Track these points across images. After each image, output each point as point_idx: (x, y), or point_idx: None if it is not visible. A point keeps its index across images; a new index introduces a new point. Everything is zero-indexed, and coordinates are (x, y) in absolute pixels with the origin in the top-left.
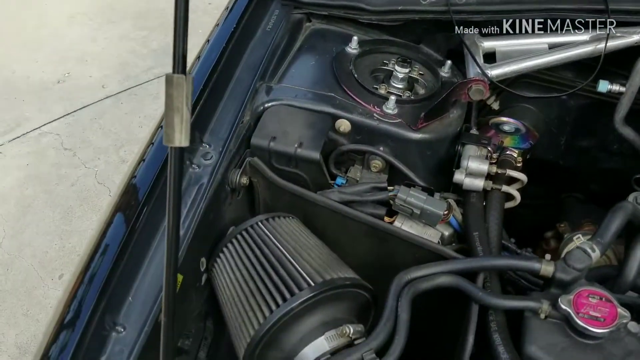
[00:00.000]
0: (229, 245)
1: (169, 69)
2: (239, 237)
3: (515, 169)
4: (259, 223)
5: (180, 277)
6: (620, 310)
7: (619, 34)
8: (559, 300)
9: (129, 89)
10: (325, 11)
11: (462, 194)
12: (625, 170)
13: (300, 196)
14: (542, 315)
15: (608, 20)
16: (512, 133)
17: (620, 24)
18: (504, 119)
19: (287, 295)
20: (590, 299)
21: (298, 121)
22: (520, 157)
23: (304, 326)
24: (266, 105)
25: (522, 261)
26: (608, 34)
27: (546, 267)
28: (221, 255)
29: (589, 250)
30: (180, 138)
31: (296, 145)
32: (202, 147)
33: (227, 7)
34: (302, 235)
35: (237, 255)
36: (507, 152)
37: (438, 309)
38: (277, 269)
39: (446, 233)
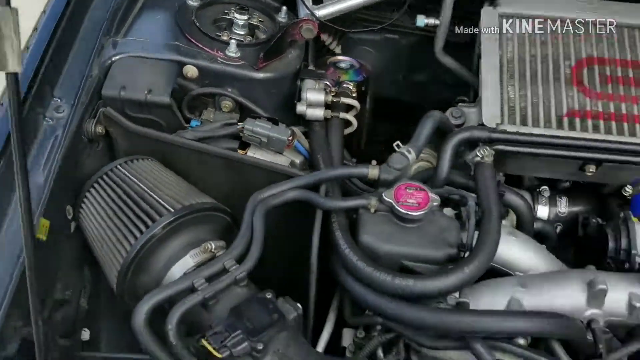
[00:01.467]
0: (92, 190)
1: None
2: (100, 181)
3: (352, 98)
4: (118, 166)
5: (47, 223)
6: (432, 195)
7: None
8: (383, 194)
9: None
10: None
11: (307, 125)
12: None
13: (157, 139)
14: (372, 210)
15: None
16: (347, 69)
17: None
18: (340, 57)
19: (150, 222)
20: (407, 190)
21: (146, 70)
22: (355, 88)
23: (169, 249)
24: (113, 59)
25: (353, 169)
26: None
27: (372, 171)
28: (85, 200)
29: (406, 153)
30: (14, 64)
31: (146, 92)
32: (54, 101)
33: None
34: (161, 173)
35: (100, 198)
36: (344, 85)
37: (292, 219)
38: (138, 202)
39: (297, 160)
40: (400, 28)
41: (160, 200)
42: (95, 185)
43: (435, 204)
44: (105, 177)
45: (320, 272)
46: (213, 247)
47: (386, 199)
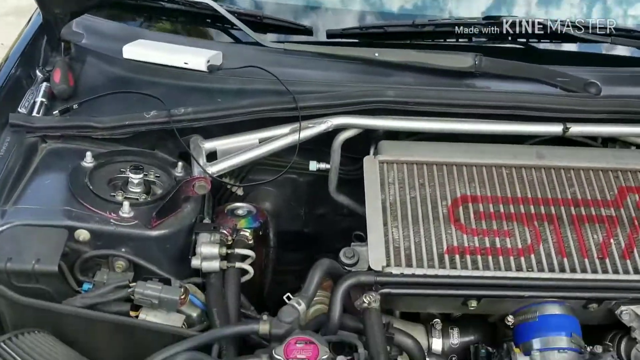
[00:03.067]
0: None
1: None
2: None
3: (248, 246)
4: (2, 344)
5: None
6: (321, 348)
7: (310, 125)
8: (274, 351)
9: None
10: (58, 132)
11: (204, 277)
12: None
13: (45, 309)
14: None
15: (300, 115)
16: (244, 216)
17: (309, 117)
18: (237, 204)
19: None
20: (297, 344)
21: (34, 238)
22: (252, 235)
23: None
24: (0, 229)
25: (243, 326)
26: (300, 126)
27: (263, 327)
28: None
29: (296, 305)
30: None
31: (33, 262)
32: None
33: None
34: (48, 346)
35: None
36: (241, 233)
37: None
38: None
39: (194, 314)
40: (297, 169)
41: None
42: None
43: (325, 356)
44: None
45: None
46: None
47: (276, 356)
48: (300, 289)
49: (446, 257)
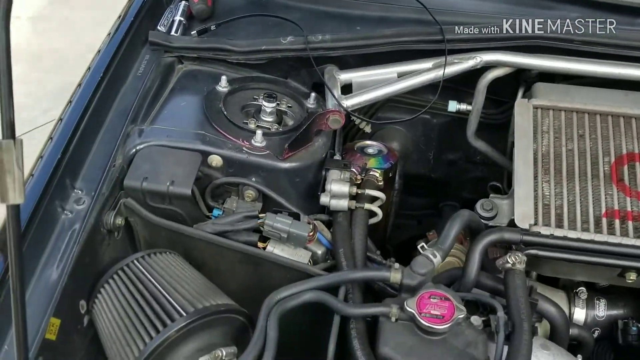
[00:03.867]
0: (106, 285)
1: None
2: (115, 276)
3: (377, 187)
4: (135, 261)
5: (57, 322)
6: (458, 305)
7: (456, 60)
8: (405, 303)
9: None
10: (195, 53)
11: (331, 214)
12: (490, 178)
13: (176, 231)
14: (393, 319)
15: (446, 48)
16: (375, 155)
17: (456, 52)
18: (368, 142)
19: (160, 327)
20: (431, 299)
21: (170, 160)
22: (381, 177)
23: (179, 354)
24: (138, 148)
25: (374, 272)
26: (445, 61)
27: (395, 275)
28: (99, 296)
29: (431, 257)
30: (15, 196)
31: (168, 184)
32: (75, 193)
33: (99, 50)
34: (177, 268)
35: (113, 294)
36: (371, 173)
37: (309, 322)
38: (151, 303)
39: (319, 252)
40: (431, 108)
41: (173, 303)
42: (110, 280)
43: (461, 316)
44: (120, 272)
45: None
46: (224, 354)
47: (408, 308)
48: (422, 236)
49: (604, 220)
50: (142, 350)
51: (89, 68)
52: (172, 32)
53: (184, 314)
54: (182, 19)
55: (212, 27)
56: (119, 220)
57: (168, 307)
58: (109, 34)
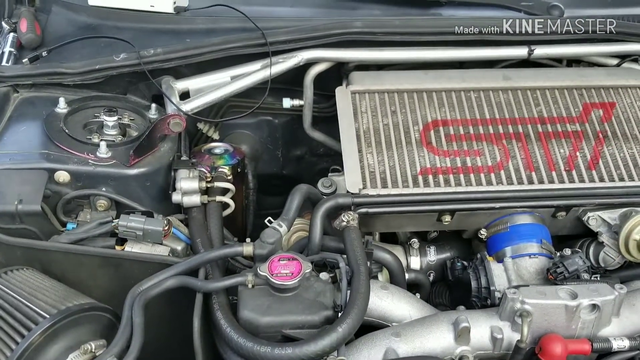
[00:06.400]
0: None
1: None
2: None
3: (227, 181)
4: None
5: None
6: (304, 263)
7: (280, 60)
8: (258, 269)
9: None
10: (29, 80)
11: (186, 212)
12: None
13: (31, 247)
14: (250, 285)
15: (270, 50)
16: (222, 154)
17: (280, 52)
18: (214, 144)
19: (25, 332)
20: (281, 261)
21: (15, 181)
22: (230, 172)
23: (49, 356)
24: None
25: (228, 249)
26: (271, 61)
27: (247, 248)
28: None
29: (277, 227)
30: None
31: (16, 202)
32: None
33: None
34: (37, 281)
35: None
36: (220, 170)
37: (176, 305)
38: (12, 313)
39: (178, 248)
40: (271, 110)
41: (35, 309)
42: None
43: (307, 270)
44: None
45: (213, 354)
46: (93, 347)
47: (261, 272)
48: None
49: (420, 177)
50: (9, 357)
51: None
52: (3, 63)
53: (47, 317)
54: (12, 49)
55: (44, 54)
56: None
57: (31, 314)
58: None
